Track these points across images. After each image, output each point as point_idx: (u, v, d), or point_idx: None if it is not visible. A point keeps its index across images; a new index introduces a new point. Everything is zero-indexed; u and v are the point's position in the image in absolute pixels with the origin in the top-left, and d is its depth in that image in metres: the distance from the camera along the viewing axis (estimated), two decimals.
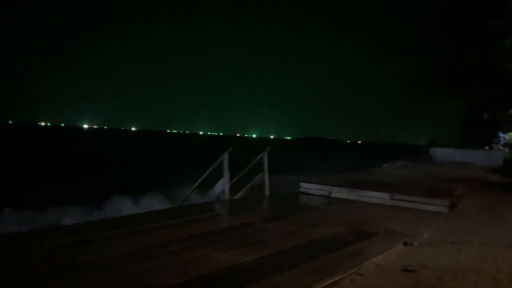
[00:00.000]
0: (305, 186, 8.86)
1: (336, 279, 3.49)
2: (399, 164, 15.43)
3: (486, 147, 24.03)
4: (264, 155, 8.79)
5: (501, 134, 24.18)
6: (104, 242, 4.35)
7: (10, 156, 30.31)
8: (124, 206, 10.31)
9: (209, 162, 8.19)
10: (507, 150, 22.30)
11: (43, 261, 3.68)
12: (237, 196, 8.36)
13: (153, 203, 10.87)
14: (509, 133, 25.09)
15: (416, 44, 11.93)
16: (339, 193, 8.37)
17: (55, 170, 22.37)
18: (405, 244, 4.87)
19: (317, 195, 8.53)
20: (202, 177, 8.03)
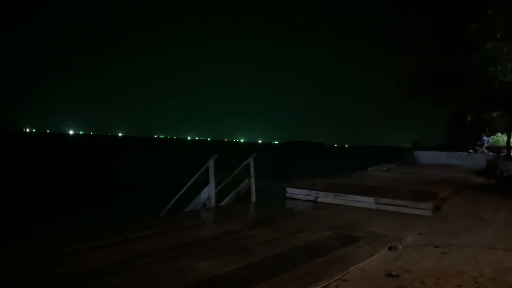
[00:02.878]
0: (291, 192, 8.85)
1: (320, 286, 3.47)
2: (385, 167, 15.51)
3: (470, 150, 24.32)
4: (250, 161, 8.76)
5: (485, 137, 24.51)
6: (83, 253, 4.25)
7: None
8: (104, 215, 10.17)
9: (196, 168, 8.13)
10: (491, 153, 22.60)
11: (21, 274, 3.58)
12: (223, 203, 8.31)
13: (136, 211, 10.74)
14: (493, 136, 25.45)
15: (399, 48, 12.06)
16: (325, 197, 8.38)
17: (35, 178, 22.03)
18: (390, 248, 4.88)
19: (303, 200, 8.53)
20: (187, 185, 7.95)
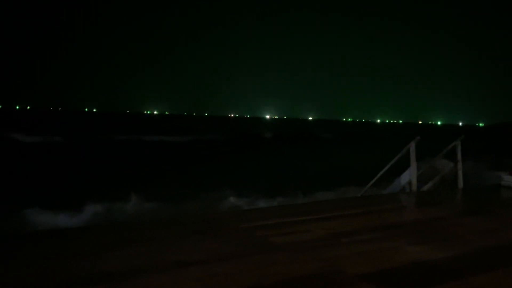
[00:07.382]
0: (508, 179, 7.75)
1: None
2: None
3: None
4: (457, 144, 8.01)
5: None
6: (295, 226, 4.61)
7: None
8: (305, 193, 10.79)
9: (392, 151, 7.86)
10: None
11: (241, 240, 4.06)
12: (425, 188, 7.83)
13: (334, 191, 11.06)
14: None
15: None
16: None
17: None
18: None
19: None
20: (387, 167, 7.74)
